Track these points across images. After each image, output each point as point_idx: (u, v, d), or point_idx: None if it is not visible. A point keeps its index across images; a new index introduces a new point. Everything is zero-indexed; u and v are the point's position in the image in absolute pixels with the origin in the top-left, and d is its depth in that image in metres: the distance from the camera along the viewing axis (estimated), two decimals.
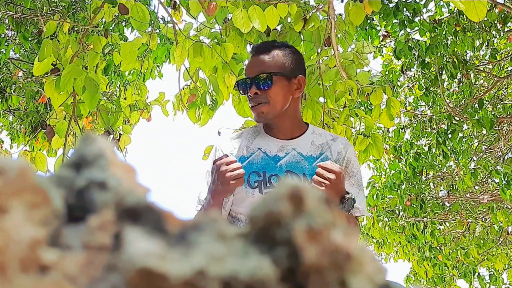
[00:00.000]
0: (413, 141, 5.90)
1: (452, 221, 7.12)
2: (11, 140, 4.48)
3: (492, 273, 7.62)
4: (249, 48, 2.81)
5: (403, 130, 5.97)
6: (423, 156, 5.74)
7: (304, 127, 1.56)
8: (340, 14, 2.74)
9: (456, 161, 5.84)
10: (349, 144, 1.57)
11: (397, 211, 6.80)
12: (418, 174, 5.91)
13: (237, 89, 1.58)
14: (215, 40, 2.56)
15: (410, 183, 6.27)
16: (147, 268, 0.20)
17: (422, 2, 4.13)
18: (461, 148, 5.54)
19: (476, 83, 5.44)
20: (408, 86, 5.96)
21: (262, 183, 1.44)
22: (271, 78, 1.46)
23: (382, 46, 5.39)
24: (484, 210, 6.73)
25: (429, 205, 6.48)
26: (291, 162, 1.48)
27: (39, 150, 3.29)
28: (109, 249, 0.22)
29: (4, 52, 3.93)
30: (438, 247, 7.17)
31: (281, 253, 0.22)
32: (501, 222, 6.36)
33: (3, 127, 4.52)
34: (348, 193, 1.35)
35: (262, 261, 0.22)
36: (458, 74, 4.61)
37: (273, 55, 1.50)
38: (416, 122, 5.93)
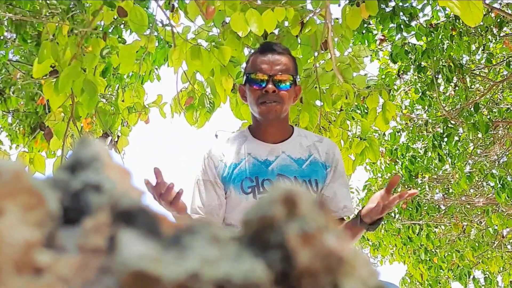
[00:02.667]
0: (409, 144, 5.90)
1: (447, 224, 7.13)
2: (11, 141, 4.46)
3: (487, 276, 7.63)
4: (246, 51, 2.81)
5: (399, 133, 5.99)
6: (419, 159, 5.74)
7: (291, 130, 1.57)
8: (337, 18, 2.75)
9: (452, 165, 5.84)
10: (335, 145, 1.60)
11: (392, 214, 6.80)
12: (414, 177, 5.92)
13: (242, 82, 1.54)
14: (213, 43, 2.56)
15: (406, 186, 6.27)
16: (141, 270, 0.20)
17: (419, 7, 4.14)
18: (457, 151, 5.54)
19: (472, 87, 5.45)
20: (404, 89, 5.97)
21: (256, 188, 1.44)
22: (291, 81, 1.48)
23: (378, 50, 5.40)
24: (479, 213, 6.74)
25: (424, 208, 6.48)
26: (282, 165, 1.48)
27: (38, 151, 3.28)
28: (104, 252, 0.22)
29: (3, 54, 3.92)
30: (433, 250, 7.18)
31: (275, 256, 0.22)
32: (496, 225, 6.38)
33: (2, 128, 4.50)
34: (382, 217, 1.37)
35: (255, 264, 0.22)
36: (454, 78, 4.62)
37: (288, 59, 1.51)
38: (412, 126, 5.93)
